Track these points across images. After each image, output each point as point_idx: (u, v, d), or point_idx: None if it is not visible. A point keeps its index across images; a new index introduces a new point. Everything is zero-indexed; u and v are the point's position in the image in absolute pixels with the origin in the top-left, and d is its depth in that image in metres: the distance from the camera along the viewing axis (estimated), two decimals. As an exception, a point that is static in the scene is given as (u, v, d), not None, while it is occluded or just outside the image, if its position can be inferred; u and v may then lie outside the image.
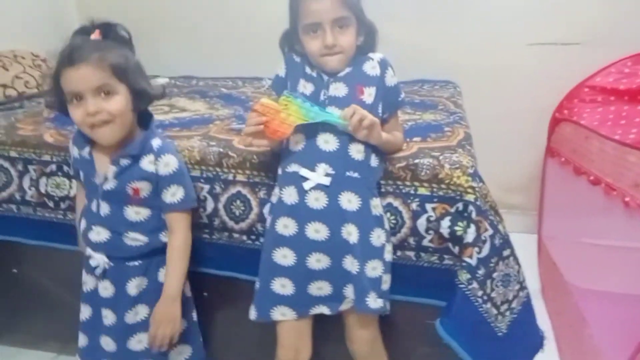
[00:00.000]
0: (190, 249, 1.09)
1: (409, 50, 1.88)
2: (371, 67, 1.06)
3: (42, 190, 1.33)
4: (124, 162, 1.02)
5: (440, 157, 1.12)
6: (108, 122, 0.96)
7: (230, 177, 1.20)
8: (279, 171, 1.09)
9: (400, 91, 1.11)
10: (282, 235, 1.04)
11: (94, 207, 1.06)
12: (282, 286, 1.04)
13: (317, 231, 1.01)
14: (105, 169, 1.03)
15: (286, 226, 1.03)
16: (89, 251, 1.09)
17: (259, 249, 1.21)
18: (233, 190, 1.20)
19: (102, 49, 0.96)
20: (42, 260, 1.42)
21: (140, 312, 1.08)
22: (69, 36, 1.01)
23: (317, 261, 1.02)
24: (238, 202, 1.20)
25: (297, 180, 1.02)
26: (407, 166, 1.10)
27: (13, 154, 1.36)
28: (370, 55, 1.08)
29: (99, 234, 1.05)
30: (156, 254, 1.09)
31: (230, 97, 1.93)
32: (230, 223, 1.21)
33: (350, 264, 1.01)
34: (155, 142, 1.04)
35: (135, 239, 1.05)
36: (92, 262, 1.07)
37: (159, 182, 1.04)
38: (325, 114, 1.00)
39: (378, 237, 1.03)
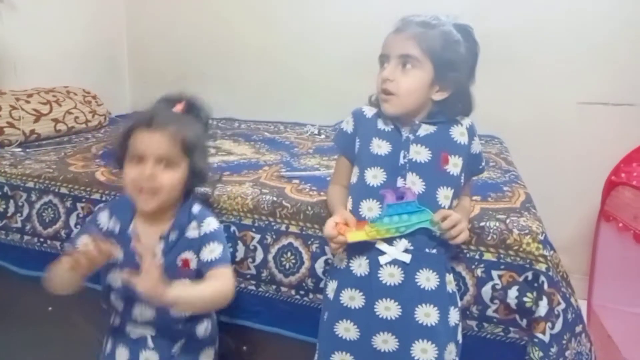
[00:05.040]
0: (227, 301, 0.97)
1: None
2: (459, 134, 0.96)
3: (89, 229, 1.30)
4: (173, 236, 0.99)
5: (507, 221, 1.06)
6: (155, 192, 0.94)
7: (283, 227, 1.16)
8: None
9: (482, 159, 1.03)
10: (347, 308, 0.95)
11: None
12: None
13: (387, 309, 0.92)
14: (153, 245, 0.96)
15: (352, 298, 0.94)
16: (128, 327, 1.01)
17: (307, 305, 1.16)
18: (285, 241, 1.16)
19: (181, 123, 0.97)
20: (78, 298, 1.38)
21: None
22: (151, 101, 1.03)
23: (384, 342, 0.92)
24: (289, 254, 1.15)
25: (370, 252, 0.93)
26: (472, 229, 1.04)
27: (63, 190, 1.35)
28: (460, 119, 0.98)
29: (143, 315, 0.99)
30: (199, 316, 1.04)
31: (274, 142, 1.93)
32: (279, 276, 1.16)
33: (421, 350, 0.90)
34: (195, 209, 1.03)
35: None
36: (133, 335, 1.01)
37: (200, 245, 0.99)
38: (417, 223, 0.90)
39: (453, 317, 0.95)
